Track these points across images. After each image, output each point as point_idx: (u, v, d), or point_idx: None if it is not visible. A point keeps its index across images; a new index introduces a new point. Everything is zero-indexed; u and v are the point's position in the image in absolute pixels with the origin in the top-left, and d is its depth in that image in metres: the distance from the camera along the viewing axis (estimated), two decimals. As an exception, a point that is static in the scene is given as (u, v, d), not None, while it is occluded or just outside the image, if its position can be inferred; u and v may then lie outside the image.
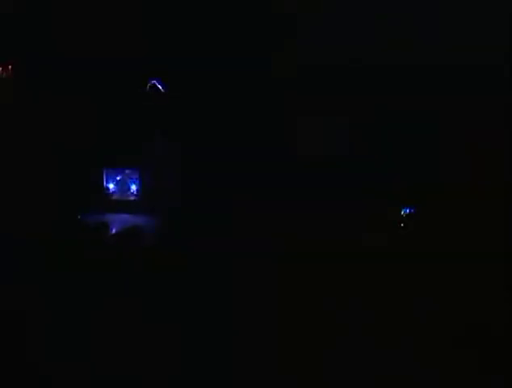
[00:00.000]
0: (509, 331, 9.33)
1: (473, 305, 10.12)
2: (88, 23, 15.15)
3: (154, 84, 15.43)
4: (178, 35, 15.12)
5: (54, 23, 15.09)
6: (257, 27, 15.06)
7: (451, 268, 11.46)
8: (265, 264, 11.60)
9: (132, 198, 15.67)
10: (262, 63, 14.95)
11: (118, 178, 15.65)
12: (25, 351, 8.77)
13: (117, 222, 13.94)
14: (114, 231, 13.27)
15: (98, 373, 8.37)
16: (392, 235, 13.33)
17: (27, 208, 13.68)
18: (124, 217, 14.58)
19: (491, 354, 8.79)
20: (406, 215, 13.92)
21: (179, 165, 15.68)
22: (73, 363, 8.56)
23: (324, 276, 11.26)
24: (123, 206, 15.31)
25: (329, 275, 11.31)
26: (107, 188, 15.62)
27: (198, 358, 8.73)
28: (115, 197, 15.67)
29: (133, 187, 15.62)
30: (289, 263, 11.72)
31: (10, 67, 15.23)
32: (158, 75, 15.35)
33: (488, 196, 13.43)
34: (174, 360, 8.68)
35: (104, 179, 15.56)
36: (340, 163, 14.65)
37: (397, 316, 9.93)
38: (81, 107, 15.30)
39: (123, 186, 15.67)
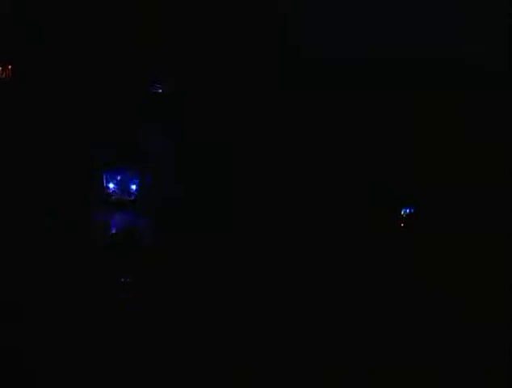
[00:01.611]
0: (509, 329, 9.34)
1: (473, 305, 10.13)
2: (88, 23, 15.17)
3: (154, 84, 15.46)
4: (178, 34, 15.13)
5: (54, 23, 15.10)
6: (257, 27, 15.07)
7: (451, 268, 11.47)
8: (265, 264, 11.59)
9: (132, 198, 15.68)
10: (262, 62, 14.98)
11: (118, 178, 15.65)
12: (24, 349, 8.77)
13: (117, 222, 13.94)
14: (114, 231, 13.26)
15: (99, 372, 8.38)
16: (392, 235, 13.31)
17: (27, 207, 13.67)
18: (124, 216, 14.58)
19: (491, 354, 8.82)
20: (406, 215, 13.91)
21: (179, 165, 15.69)
22: (73, 362, 8.57)
23: (324, 276, 11.26)
24: (123, 206, 15.30)
25: (329, 275, 11.30)
26: (107, 188, 15.62)
27: (198, 357, 8.74)
28: (115, 197, 15.67)
29: (133, 187, 15.62)
30: (289, 262, 11.71)
31: (9, 67, 15.24)
32: (158, 75, 15.38)
33: (488, 196, 13.44)
34: (174, 359, 8.69)
35: (104, 179, 15.56)
36: (340, 163, 14.65)
37: (397, 316, 9.93)
38: (81, 108, 15.31)
39: (123, 186, 15.66)
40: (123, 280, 10.97)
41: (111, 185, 15.61)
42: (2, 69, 15.19)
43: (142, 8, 15.26)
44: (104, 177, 15.56)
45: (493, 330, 9.45)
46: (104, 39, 15.19)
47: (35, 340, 9.00)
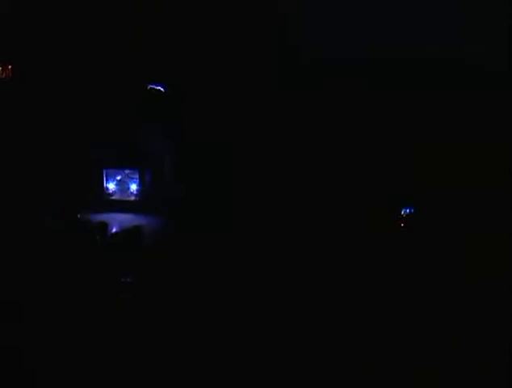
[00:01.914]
0: (510, 329, 9.35)
1: (473, 305, 10.13)
2: (88, 23, 15.17)
3: (155, 86, 15.47)
4: (178, 34, 15.14)
5: (54, 23, 15.11)
6: (257, 27, 15.07)
7: (451, 268, 11.47)
8: (265, 264, 11.59)
9: (132, 198, 15.71)
10: (262, 62, 14.98)
11: (118, 178, 15.69)
12: (24, 349, 8.78)
13: (117, 222, 13.96)
14: (114, 231, 13.28)
15: (99, 372, 8.39)
16: (392, 235, 13.32)
17: (27, 207, 13.68)
18: (124, 216, 14.60)
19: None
20: (406, 215, 13.91)
21: (179, 165, 15.72)
22: (73, 362, 8.57)
23: (324, 276, 11.26)
24: (123, 206, 15.34)
25: (329, 274, 11.31)
26: (107, 188, 15.65)
27: (198, 357, 8.74)
28: (115, 197, 15.71)
29: (133, 187, 15.66)
30: (289, 262, 11.71)
31: (9, 67, 15.25)
32: (159, 75, 15.38)
33: (488, 196, 13.45)
34: (174, 358, 8.70)
35: (104, 179, 15.60)
36: (340, 163, 14.66)
37: (397, 316, 9.93)
38: (81, 108, 15.32)
39: (123, 186, 15.71)
40: (123, 280, 10.97)
41: (111, 185, 15.65)
42: (2, 69, 15.20)
43: (142, 8, 15.26)
44: (104, 177, 15.59)
45: (494, 330, 9.45)
46: (104, 39, 15.18)
47: (35, 340, 9.00)
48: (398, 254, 12.20)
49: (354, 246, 12.44)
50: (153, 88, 15.49)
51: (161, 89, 15.62)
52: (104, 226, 12.71)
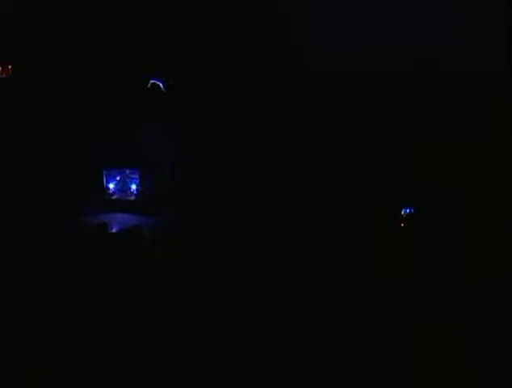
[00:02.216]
0: (510, 329, 9.37)
1: (473, 305, 10.14)
2: (88, 23, 15.18)
3: (155, 83, 15.47)
4: (178, 34, 15.15)
5: (54, 23, 15.11)
6: (258, 28, 15.08)
7: (451, 268, 11.48)
8: (266, 264, 11.60)
9: (132, 198, 15.71)
10: (262, 62, 14.99)
11: (118, 178, 15.70)
12: (24, 349, 8.78)
13: (117, 222, 13.96)
14: (114, 231, 13.27)
15: (99, 372, 8.40)
16: (392, 235, 13.32)
17: (26, 208, 13.68)
18: (124, 216, 14.60)
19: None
20: (406, 215, 13.91)
21: (179, 165, 15.72)
22: (73, 362, 8.58)
23: (323, 276, 11.27)
24: (123, 206, 15.34)
25: (329, 274, 11.31)
26: (107, 188, 15.66)
27: (197, 358, 8.75)
28: (115, 197, 15.72)
29: (133, 187, 15.67)
30: (289, 262, 11.72)
31: (9, 67, 15.26)
32: (159, 74, 15.39)
33: (488, 196, 13.45)
34: (175, 359, 8.70)
35: (104, 179, 15.60)
36: (340, 163, 14.66)
37: (397, 316, 9.94)
38: (81, 108, 15.32)
39: (123, 186, 15.71)
40: (123, 280, 10.98)
41: (111, 185, 15.66)
42: (2, 69, 15.20)
43: (142, 8, 15.27)
44: (104, 177, 15.60)
45: (494, 330, 9.46)
46: (104, 39, 15.19)
47: (34, 340, 9.01)
48: (398, 254, 12.21)
49: (354, 245, 12.44)
50: (155, 83, 15.46)
51: (162, 87, 15.62)
52: (104, 226, 12.71)
